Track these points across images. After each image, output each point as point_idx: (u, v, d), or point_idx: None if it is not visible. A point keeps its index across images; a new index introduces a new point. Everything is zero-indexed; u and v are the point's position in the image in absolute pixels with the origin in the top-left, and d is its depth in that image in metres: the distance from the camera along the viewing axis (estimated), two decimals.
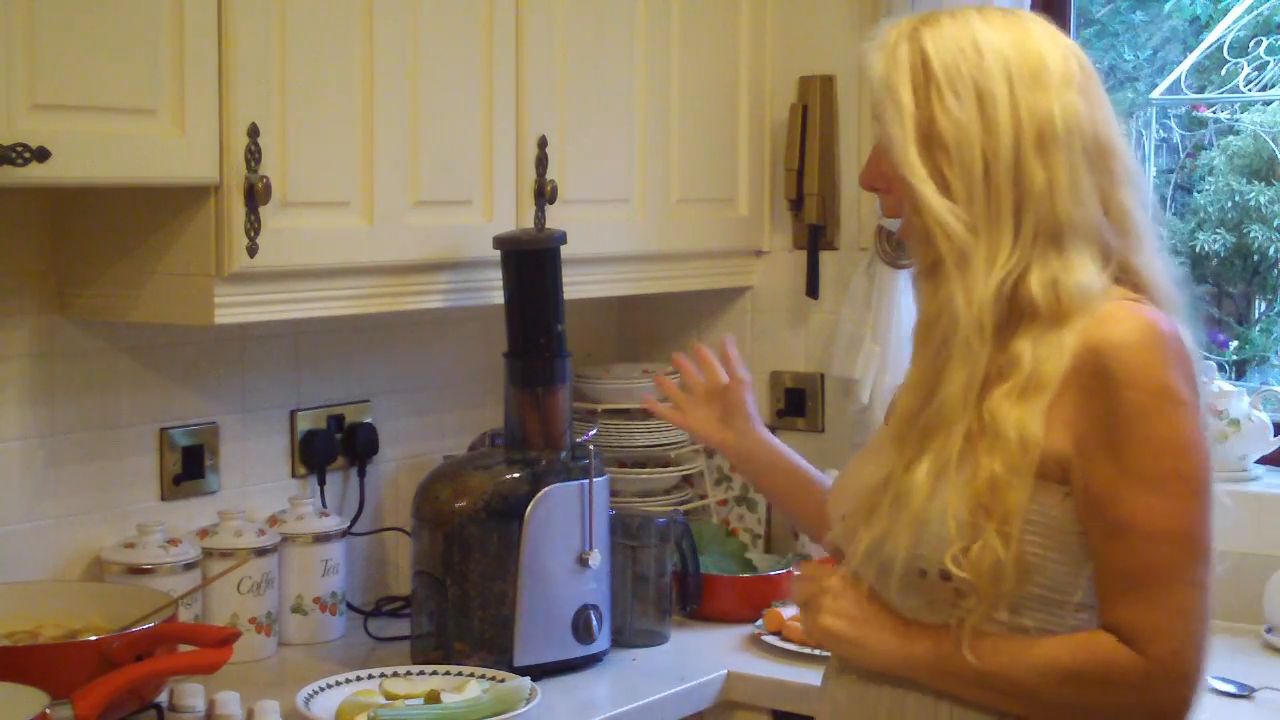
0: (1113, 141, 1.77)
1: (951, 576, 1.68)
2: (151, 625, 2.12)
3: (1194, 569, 1.67)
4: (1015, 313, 1.72)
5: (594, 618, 2.51)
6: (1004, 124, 1.72)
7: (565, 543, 2.49)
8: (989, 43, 1.74)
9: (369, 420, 2.88)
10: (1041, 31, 1.78)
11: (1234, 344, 3.84)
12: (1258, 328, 3.87)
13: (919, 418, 1.74)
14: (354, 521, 2.83)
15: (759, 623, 2.74)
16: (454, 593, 2.46)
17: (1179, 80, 3.87)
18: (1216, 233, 3.87)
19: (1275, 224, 3.79)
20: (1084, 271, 1.72)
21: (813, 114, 3.12)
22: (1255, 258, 3.88)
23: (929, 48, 1.75)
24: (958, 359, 1.71)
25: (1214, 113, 3.96)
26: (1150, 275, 1.78)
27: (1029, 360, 1.70)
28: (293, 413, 2.78)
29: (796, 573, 1.88)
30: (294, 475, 2.79)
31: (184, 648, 2.16)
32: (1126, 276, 1.76)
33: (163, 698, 2.17)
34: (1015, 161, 1.72)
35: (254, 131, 2.20)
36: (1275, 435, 3.01)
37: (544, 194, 2.65)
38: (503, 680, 2.33)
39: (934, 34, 1.76)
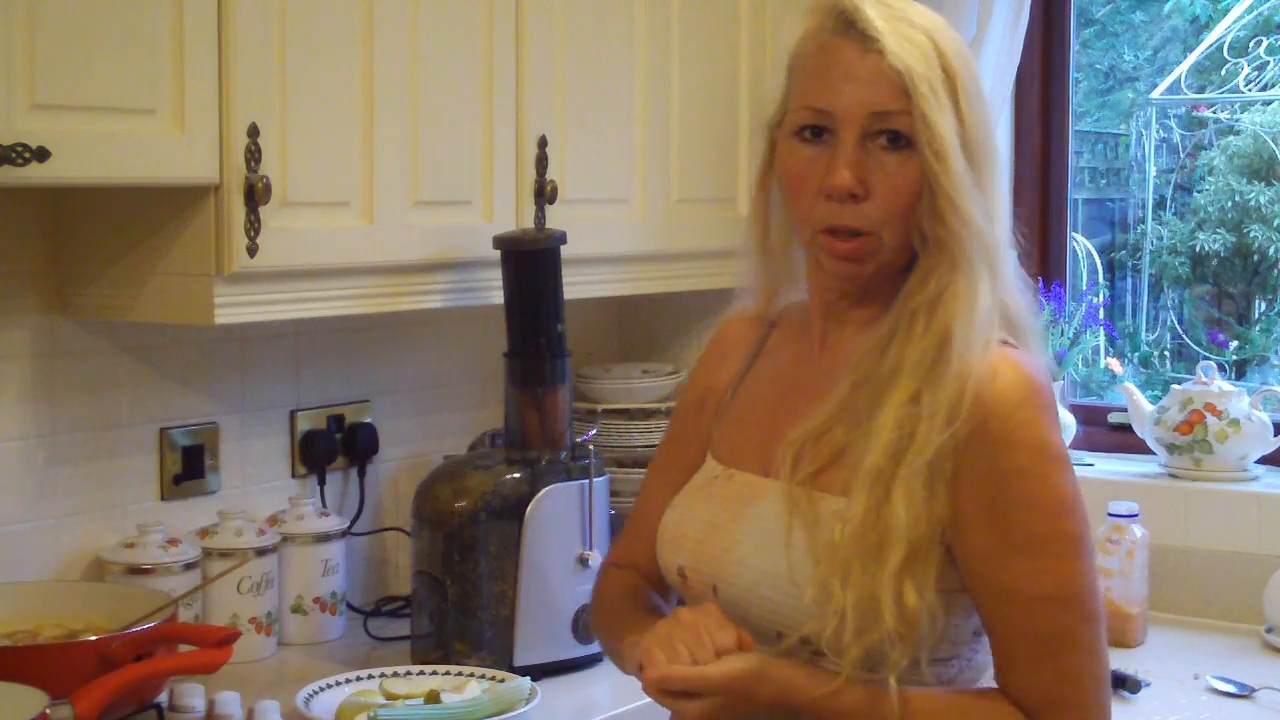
0: None
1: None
2: (151, 625, 2.12)
3: (1084, 631, 1.59)
4: None
5: None
6: (993, 139, 1.66)
7: (565, 543, 2.49)
8: (970, 53, 1.67)
9: (369, 420, 2.88)
10: None
11: (1234, 344, 3.84)
12: (1258, 328, 3.88)
13: (905, 459, 1.58)
14: (354, 521, 2.83)
15: None
16: (454, 593, 2.46)
17: (1179, 80, 3.87)
18: (1216, 233, 3.88)
19: (1275, 224, 3.80)
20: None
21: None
22: (1255, 258, 3.88)
23: (941, 42, 1.61)
24: (953, 403, 1.58)
25: (1214, 113, 3.96)
26: (1011, 304, 1.68)
27: None
28: (293, 413, 2.78)
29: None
30: (294, 475, 2.79)
31: (184, 648, 2.16)
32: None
33: (163, 698, 2.17)
34: (998, 178, 1.67)
35: (254, 131, 2.20)
36: (1275, 435, 3.01)
37: (544, 194, 2.65)
38: (503, 680, 2.33)
39: (927, 23, 1.62)
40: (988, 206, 1.63)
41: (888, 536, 1.56)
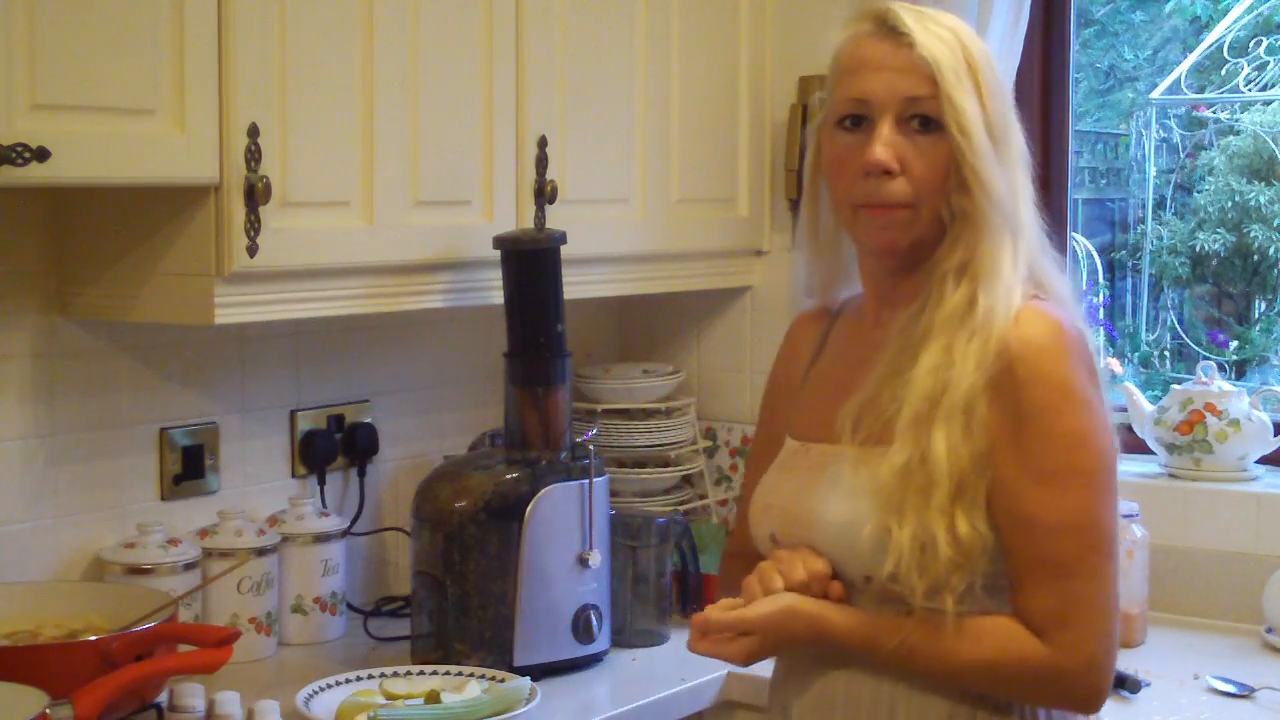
0: None
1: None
2: (151, 625, 2.12)
3: (1092, 559, 1.74)
4: None
5: (594, 618, 2.51)
6: (1015, 128, 1.83)
7: (565, 543, 2.49)
8: (991, 54, 1.84)
9: (369, 420, 2.88)
10: None
11: (1234, 344, 3.84)
12: (1258, 328, 3.88)
13: (938, 403, 1.74)
14: (354, 521, 2.83)
15: None
16: (454, 593, 2.46)
17: (1179, 80, 3.87)
18: (1216, 233, 3.88)
19: (1275, 224, 3.80)
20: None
21: (813, 114, 3.12)
22: (1255, 258, 3.88)
23: (964, 38, 1.80)
24: (981, 349, 1.74)
25: (1214, 113, 3.96)
26: (1044, 277, 1.84)
27: None
28: (293, 413, 2.78)
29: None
30: (294, 475, 2.79)
31: (184, 648, 2.16)
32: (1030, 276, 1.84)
33: (163, 698, 2.17)
34: (1018, 163, 1.83)
35: (254, 131, 2.20)
36: (1275, 435, 3.00)
37: (544, 194, 2.65)
38: (503, 680, 2.33)
39: (951, 23, 1.81)
40: (1011, 182, 1.79)
41: (934, 475, 1.72)
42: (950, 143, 1.76)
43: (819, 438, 1.88)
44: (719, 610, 1.81)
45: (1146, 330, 4.14)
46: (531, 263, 2.50)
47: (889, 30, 1.79)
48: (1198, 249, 3.89)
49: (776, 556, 1.84)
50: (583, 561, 2.50)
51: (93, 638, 2.08)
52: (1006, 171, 1.79)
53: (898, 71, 1.77)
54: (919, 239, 1.80)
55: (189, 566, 2.48)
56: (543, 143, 2.66)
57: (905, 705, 1.79)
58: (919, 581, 1.71)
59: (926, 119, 1.77)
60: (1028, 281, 1.80)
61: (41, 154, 1.94)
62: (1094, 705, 1.78)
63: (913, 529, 1.71)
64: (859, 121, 1.80)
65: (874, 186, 1.78)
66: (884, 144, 1.77)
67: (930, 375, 1.75)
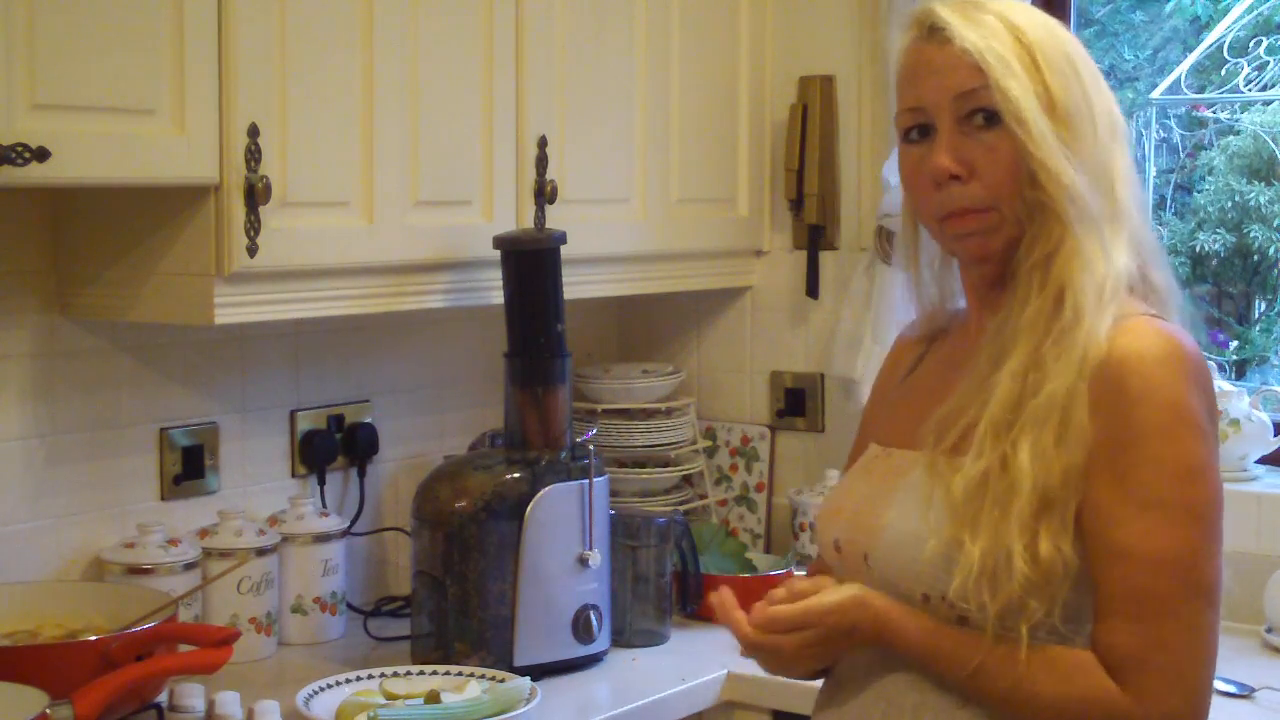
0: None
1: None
2: (151, 625, 2.12)
3: (1190, 604, 1.58)
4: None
5: (594, 618, 2.51)
6: (1098, 103, 1.70)
7: (565, 543, 2.49)
8: (1058, 27, 1.72)
9: (369, 420, 2.88)
10: None
11: (1234, 344, 3.83)
12: (1258, 328, 3.87)
13: (1023, 408, 1.62)
14: (354, 521, 2.83)
15: None
16: (454, 593, 2.46)
17: (1179, 80, 3.86)
18: (1216, 233, 3.87)
19: (1275, 224, 3.79)
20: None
21: (813, 114, 3.13)
22: (1255, 258, 3.87)
23: (1013, 19, 1.69)
24: (1072, 350, 1.62)
25: (1214, 113, 3.95)
26: (1151, 274, 1.74)
27: None
28: (293, 413, 2.78)
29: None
30: (294, 475, 2.79)
31: (184, 648, 2.16)
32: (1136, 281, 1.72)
33: (163, 698, 2.17)
34: (1108, 142, 1.71)
35: (254, 131, 2.20)
36: (1275, 435, 3.00)
37: (544, 194, 2.65)
38: (503, 680, 2.33)
39: (999, 6, 1.70)
40: (1097, 164, 1.67)
41: (1015, 483, 1.59)
42: (1010, 132, 1.65)
43: (901, 443, 1.77)
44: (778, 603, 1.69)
45: None
46: (531, 263, 2.50)
47: (930, 30, 1.71)
48: (1198, 249, 3.88)
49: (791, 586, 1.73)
50: (583, 561, 2.50)
51: (93, 638, 2.08)
52: (1085, 154, 1.66)
53: (944, 70, 1.68)
54: (1010, 240, 1.69)
55: (189, 566, 2.48)
56: (543, 143, 2.66)
57: None
58: (990, 602, 1.57)
59: (989, 113, 1.66)
60: (1135, 276, 1.69)
61: (41, 154, 1.95)
62: None
63: (986, 543, 1.58)
64: (925, 131, 1.71)
65: (947, 195, 1.69)
66: (945, 149, 1.68)
67: (1013, 380, 1.62)
